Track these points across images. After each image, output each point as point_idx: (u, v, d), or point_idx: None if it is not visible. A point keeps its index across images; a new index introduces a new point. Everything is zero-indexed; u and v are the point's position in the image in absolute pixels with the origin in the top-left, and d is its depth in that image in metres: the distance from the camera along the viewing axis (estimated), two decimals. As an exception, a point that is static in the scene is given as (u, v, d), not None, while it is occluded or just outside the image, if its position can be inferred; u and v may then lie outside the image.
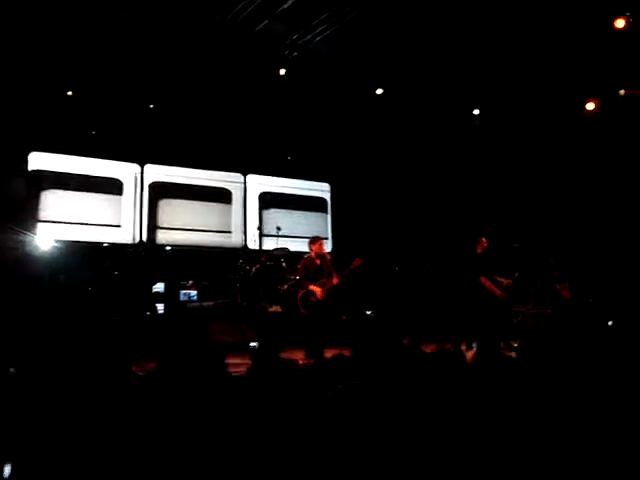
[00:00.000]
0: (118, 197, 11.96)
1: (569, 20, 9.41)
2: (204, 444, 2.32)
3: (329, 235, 13.93)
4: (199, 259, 11.89)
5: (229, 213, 13.33)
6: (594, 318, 9.47)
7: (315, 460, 2.08)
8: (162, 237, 12.25)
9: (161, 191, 12.43)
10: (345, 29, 10.51)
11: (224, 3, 10.08)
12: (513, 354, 4.88)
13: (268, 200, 13.95)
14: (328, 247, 11.74)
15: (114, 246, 11.44)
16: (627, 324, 8.52)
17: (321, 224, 14.25)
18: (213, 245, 12.77)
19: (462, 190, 12.72)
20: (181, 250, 11.79)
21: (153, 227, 12.23)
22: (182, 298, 10.36)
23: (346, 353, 3.68)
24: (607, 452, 2.21)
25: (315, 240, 8.24)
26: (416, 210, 12.91)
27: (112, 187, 11.90)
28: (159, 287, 10.11)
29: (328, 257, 8.25)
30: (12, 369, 3.26)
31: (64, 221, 11.07)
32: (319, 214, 14.40)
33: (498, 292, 8.88)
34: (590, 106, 10.78)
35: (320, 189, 14.45)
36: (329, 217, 14.37)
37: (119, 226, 11.85)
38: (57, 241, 9.99)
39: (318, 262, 8.04)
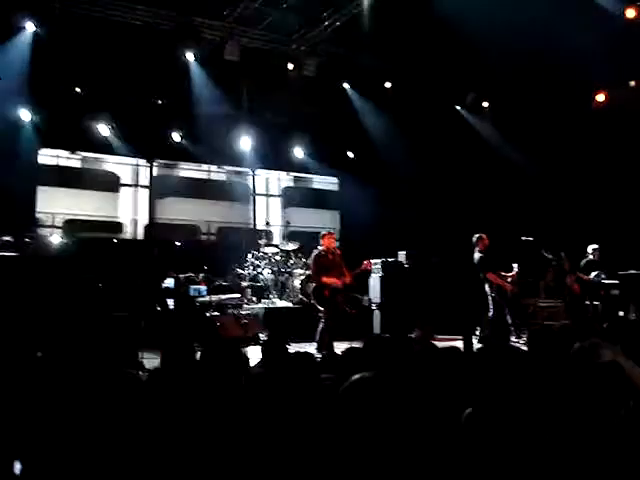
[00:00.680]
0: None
1: (579, 10, 9.32)
2: (214, 437, 2.35)
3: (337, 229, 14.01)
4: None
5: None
6: (604, 311, 9.45)
7: (327, 453, 2.10)
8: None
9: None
10: (352, 22, 10.49)
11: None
12: (523, 347, 4.89)
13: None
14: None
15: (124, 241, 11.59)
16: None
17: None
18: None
19: (470, 184, 12.65)
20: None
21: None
22: (192, 293, 10.38)
23: (357, 346, 3.70)
24: (614, 447, 2.20)
25: (326, 235, 8.25)
26: (425, 204, 12.86)
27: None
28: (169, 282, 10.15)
29: (339, 252, 8.26)
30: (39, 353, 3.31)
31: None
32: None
33: (508, 286, 8.89)
34: (600, 98, 10.71)
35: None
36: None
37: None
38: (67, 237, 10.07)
39: (330, 257, 8.04)
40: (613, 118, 10.74)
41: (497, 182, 12.37)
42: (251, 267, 10.78)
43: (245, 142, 12.55)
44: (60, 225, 11.56)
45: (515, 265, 9.14)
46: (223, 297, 9.66)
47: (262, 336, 8.74)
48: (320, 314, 7.93)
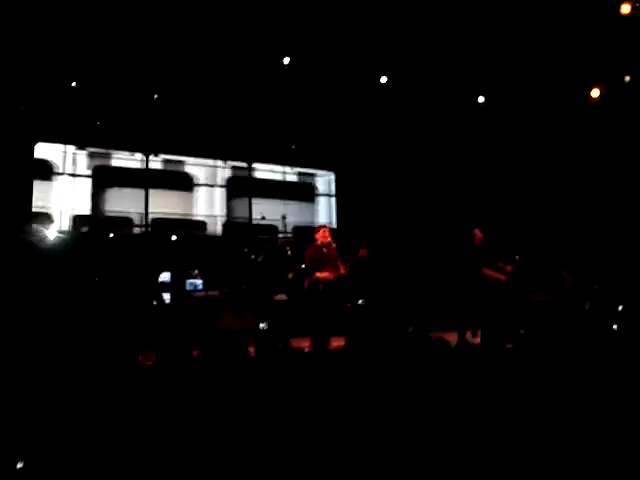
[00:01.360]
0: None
1: (575, 5, 9.33)
2: (215, 428, 2.37)
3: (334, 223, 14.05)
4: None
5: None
6: (598, 305, 9.50)
7: (324, 446, 2.12)
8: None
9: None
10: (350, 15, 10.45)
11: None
12: (518, 342, 4.93)
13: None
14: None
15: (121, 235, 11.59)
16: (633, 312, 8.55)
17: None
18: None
19: (466, 179, 12.67)
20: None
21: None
22: (188, 287, 10.40)
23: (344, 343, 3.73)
24: (611, 443, 2.23)
25: (319, 228, 8.23)
26: (421, 199, 12.87)
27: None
28: (165, 277, 10.18)
29: (333, 246, 8.23)
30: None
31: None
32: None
33: (503, 277, 8.90)
34: (595, 93, 10.71)
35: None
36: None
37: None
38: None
39: (325, 250, 8.01)
40: (609, 113, 10.76)
41: (495, 177, 12.40)
42: (247, 260, 10.77)
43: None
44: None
45: (517, 256, 9.14)
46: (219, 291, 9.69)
47: (259, 328, 8.75)
48: (314, 308, 7.92)
